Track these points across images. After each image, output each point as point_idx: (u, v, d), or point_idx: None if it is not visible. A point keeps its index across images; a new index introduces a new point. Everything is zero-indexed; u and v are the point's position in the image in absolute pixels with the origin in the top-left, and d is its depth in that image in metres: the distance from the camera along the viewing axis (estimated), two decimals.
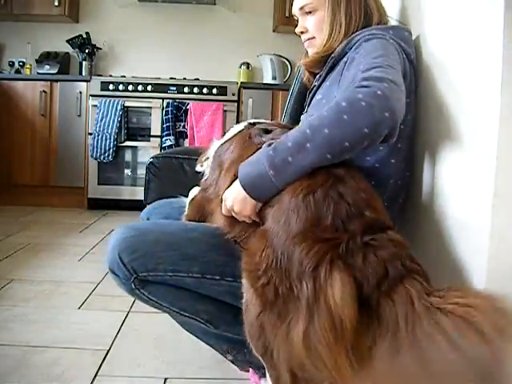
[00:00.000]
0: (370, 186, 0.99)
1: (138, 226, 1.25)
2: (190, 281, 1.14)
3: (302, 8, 1.32)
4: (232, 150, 1.20)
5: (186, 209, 1.36)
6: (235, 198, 1.03)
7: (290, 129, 1.04)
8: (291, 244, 0.89)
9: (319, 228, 0.88)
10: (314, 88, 1.33)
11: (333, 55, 1.26)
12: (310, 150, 0.92)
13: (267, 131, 1.16)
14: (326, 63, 1.28)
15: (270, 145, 0.99)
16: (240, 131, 1.25)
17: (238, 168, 1.03)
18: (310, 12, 1.30)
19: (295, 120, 1.61)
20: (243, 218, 1.04)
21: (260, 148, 1.04)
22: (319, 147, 0.92)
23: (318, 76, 1.33)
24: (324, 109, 0.95)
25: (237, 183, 1.03)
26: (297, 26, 1.36)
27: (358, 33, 1.23)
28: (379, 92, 0.91)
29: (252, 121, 1.29)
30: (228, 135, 1.29)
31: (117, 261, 1.16)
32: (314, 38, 1.32)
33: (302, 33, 1.35)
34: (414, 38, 1.31)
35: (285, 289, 0.87)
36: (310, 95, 1.35)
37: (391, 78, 0.96)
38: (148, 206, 1.59)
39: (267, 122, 1.27)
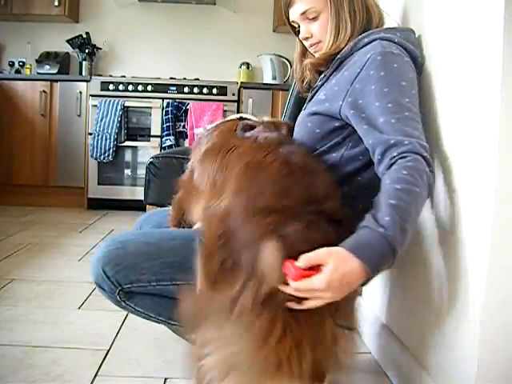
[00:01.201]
0: (335, 183, 1.08)
1: (121, 238, 1.26)
2: (175, 289, 1.14)
3: (303, 13, 1.26)
4: (215, 135, 1.26)
5: (171, 211, 1.38)
6: (334, 287, 0.89)
7: (275, 125, 1.22)
8: (251, 218, 0.95)
9: (281, 201, 0.96)
10: (317, 87, 1.31)
11: (339, 56, 1.23)
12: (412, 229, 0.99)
13: (252, 127, 1.21)
14: (332, 63, 1.26)
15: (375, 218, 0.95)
16: (228, 120, 1.29)
17: (362, 257, 0.91)
18: (313, 17, 1.26)
19: (295, 120, 1.61)
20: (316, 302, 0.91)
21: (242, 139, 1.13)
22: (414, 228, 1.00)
23: (322, 75, 1.30)
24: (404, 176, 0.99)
25: (348, 270, 0.90)
26: (294, 31, 1.34)
27: (365, 34, 1.21)
28: (431, 175, 1.03)
29: (244, 115, 1.35)
30: (215, 123, 1.34)
31: (101, 274, 1.19)
32: (320, 41, 1.28)
33: (307, 38, 1.31)
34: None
35: (235, 258, 0.92)
36: (312, 93, 1.33)
37: (424, 141, 1.06)
38: (141, 216, 1.61)
39: (255, 119, 1.32)
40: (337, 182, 1.12)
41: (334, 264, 0.88)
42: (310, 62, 1.32)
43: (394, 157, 1.02)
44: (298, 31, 1.33)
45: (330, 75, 1.26)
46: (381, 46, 1.15)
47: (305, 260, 0.88)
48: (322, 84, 1.29)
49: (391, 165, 1.02)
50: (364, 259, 0.90)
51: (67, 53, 4.37)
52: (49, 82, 3.99)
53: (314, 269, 0.88)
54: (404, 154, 1.01)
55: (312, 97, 1.32)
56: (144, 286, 1.18)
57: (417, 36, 1.30)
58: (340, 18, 1.23)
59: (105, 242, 1.24)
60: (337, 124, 1.19)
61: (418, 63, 1.23)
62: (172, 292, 1.15)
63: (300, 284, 0.87)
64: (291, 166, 1.04)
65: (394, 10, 1.47)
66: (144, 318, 1.26)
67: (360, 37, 1.21)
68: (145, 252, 1.19)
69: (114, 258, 1.18)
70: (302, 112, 1.31)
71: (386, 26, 1.31)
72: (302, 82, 1.41)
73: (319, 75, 1.35)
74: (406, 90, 1.10)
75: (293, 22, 1.32)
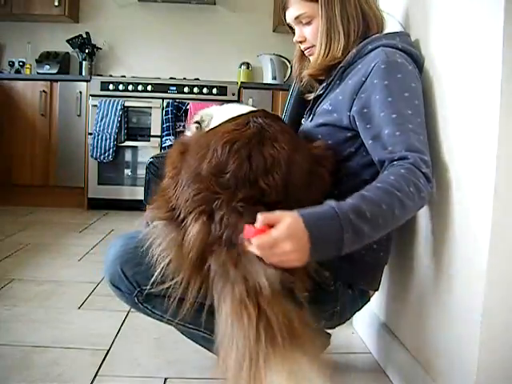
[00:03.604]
0: (289, 156, 1.09)
1: (138, 236, 1.18)
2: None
3: (297, 18, 1.28)
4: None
5: None
6: (293, 237, 0.89)
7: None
8: (193, 180, 1.07)
9: (217, 178, 1.05)
10: (321, 96, 1.31)
11: (342, 64, 1.23)
12: (380, 227, 0.98)
13: None
14: (335, 72, 1.26)
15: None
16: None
17: (304, 215, 0.91)
18: (306, 22, 1.27)
19: (295, 121, 1.60)
20: (285, 262, 0.92)
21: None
22: (384, 227, 0.99)
23: (324, 84, 1.30)
24: (392, 179, 1.00)
25: (299, 227, 0.90)
26: (293, 32, 1.34)
27: (368, 41, 1.21)
28: (425, 190, 1.03)
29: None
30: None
31: (119, 274, 1.15)
32: (313, 45, 1.29)
33: (300, 42, 1.33)
34: (413, 39, 1.31)
35: (174, 205, 1.09)
36: (317, 103, 1.33)
37: (426, 155, 1.07)
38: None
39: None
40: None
41: (291, 219, 0.89)
42: (308, 73, 1.32)
43: (393, 165, 1.04)
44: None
45: (334, 84, 1.26)
46: (385, 54, 1.15)
47: (262, 218, 0.90)
48: (326, 93, 1.29)
49: (386, 168, 1.06)
50: (306, 221, 0.90)
51: (67, 53, 4.37)
52: (49, 82, 3.99)
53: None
54: (402, 163, 1.03)
55: (315, 105, 1.32)
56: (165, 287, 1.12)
57: (419, 36, 1.31)
58: (331, 26, 1.23)
59: (118, 240, 1.19)
60: (348, 134, 1.20)
61: (420, 64, 1.24)
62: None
63: (260, 239, 0.88)
64: (248, 130, 1.10)
65: (395, 11, 1.47)
66: (159, 320, 1.22)
67: (363, 43, 1.21)
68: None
69: (133, 257, 1.13)
70: (308, 123, 1.31)
71: (386, 29, 1.31)
72: (301, 81, 1.41)
73: (320, 84, 1.35)
74: (408, 101, 1.11)
75: (289, 24, 1.34)
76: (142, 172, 3.81)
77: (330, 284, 1.20)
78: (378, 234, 0.98)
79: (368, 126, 1.13)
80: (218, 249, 1.03)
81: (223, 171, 1.06)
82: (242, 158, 1.06)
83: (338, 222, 0.91)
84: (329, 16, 1.22)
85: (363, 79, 1.15)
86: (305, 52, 1.34)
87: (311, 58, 1.32)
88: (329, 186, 1.14)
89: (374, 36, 1.23)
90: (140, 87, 3.96)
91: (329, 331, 1.39)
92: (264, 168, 1.06)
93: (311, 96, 1.37)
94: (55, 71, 4.16)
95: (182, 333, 1.33)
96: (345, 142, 1.20)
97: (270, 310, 0.93)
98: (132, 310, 1.84)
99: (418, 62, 1.22)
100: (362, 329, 1.70)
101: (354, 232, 0.92)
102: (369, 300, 1.32)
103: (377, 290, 1.32)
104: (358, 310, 1.32)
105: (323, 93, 1.30)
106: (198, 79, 4.17)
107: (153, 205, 1.16)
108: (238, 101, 4.01)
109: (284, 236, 0.88)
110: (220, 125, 1.21)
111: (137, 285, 1.15)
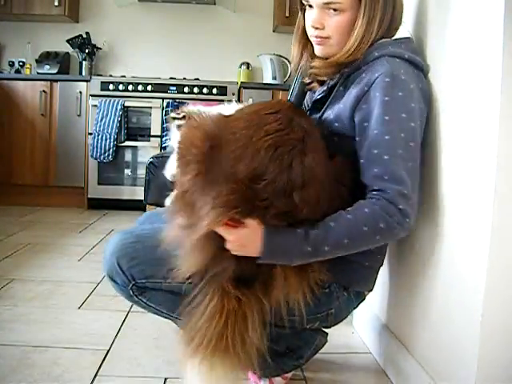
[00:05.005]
0: (323, 172, 1.06)
1: (135, 231, 1.25)
2: (189, 287, 1.13)
3: (328, 3, 1.14)
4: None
5: None
6: (243, 245, 1.05)
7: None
8: (226, 178, 1.00)
9: (253, 184, 1.00)
10: (322, 98, 1.26)
11: (346, 70, 1.18)
12: (339, 253, 1.08)
13: None
14: (338, 76, 1.20)
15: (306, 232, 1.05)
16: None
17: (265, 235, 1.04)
18: (335, 10, 1.14)
19: None
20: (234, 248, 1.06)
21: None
22: (345, 252, 1.09)
23: (325, 87, 1.25)
24: (360, 218, 1.05)
25: (253, 244, 1.05)
26: (302, 11, 1.24)
27: (375, 47, 1.16)
28: (398, 226, 1.05)
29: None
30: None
31: (115, 267, 1.18)
32: (329, 37, 1.18)
33: (316, 28, 1.18)
34: (417, 44, 1.31)
35: (196, 198, 1.03)
36: (316, 106, 1.28)
37: (410, 189, 1.07)
38: (142, 216, 1.60)
39: None
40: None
41: (249, 233, 1.03)
42: (315, 72, 1.24)
43: (372, 195, 1.08)
44: (305, 9, 1.22)
45: (338, 91, 1.21)
46: (390, 66, 1.11)
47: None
48: (329, 102, 1.23)
49: (366, 196, 1.09)
50: (264, 248, 1.03)
51: (67, 53, 4.37)
52: (49, 82, 3.99)
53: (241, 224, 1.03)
54: (379, 196, 1.06)
55: (314, 109, 1.28)
56: (158, 282, 1.17)
57: (423, 41, 1.30)
58: (369, 28, 1.15)
59: (117, 235, 1.23)
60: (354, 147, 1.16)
61: (425, 72, 1.21)
62: (186, 290, 1.14)
63: (222, 231, 1.04)
64: (294, 134, 1.04)
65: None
66: (154, 313, 1.25)
67: (369, 50, 1.16)
68: (161, 248, 1.15)
69: (129, 251, 1.18)
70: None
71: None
72: (298, 69, 1.34)
73: (320, 84, 1.30)
74: (404, 123, 1.09)
75: (310, 4, 1.19)
76: (142, 172, 3.81)
77: (324, 286, 1.19)
78: (335, 256, 1.08)
79: (365, 143, 1.11)
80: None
81: (261, 177, 1.00)
82: (282, 166, 1.00)
83: (289, 261, 1.06)
84: (369, 19, 1.15)
85: (366, 88, 1.12)
86: (315, 39, 1.21)
87: (318, 47, 1.22)
88: (347, 205, 1.08)
89: (380, 41, 1.17)
90: (140, 87, 3.96)
91: (326, 330, 1.39)
92: (302, 181, 1.01)
93: (311, 85, 1.32)
94: (55, 71, 4.16)
95: (178, 326, 1.33)
96: (353, 155, 1.16)
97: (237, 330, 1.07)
98: (132, 310, 1.85)
99: (423, 70, 1.20)
100: (362, 329, 1.70)
101: (305, 258, 1.06)
102: (364, 299, 1.32)
103: (371, 290, 1.32)
104: (353, 310, 1.33)
105: (325, 97, 1.25)
106: (198, 79, 4.17)
107: (171, 209, 1.14)
108: (238, 101, 4.01)
109: (236, 240, 1.04)
110: (251, 108, 1.14)
111: (131, 278, 1.18)
